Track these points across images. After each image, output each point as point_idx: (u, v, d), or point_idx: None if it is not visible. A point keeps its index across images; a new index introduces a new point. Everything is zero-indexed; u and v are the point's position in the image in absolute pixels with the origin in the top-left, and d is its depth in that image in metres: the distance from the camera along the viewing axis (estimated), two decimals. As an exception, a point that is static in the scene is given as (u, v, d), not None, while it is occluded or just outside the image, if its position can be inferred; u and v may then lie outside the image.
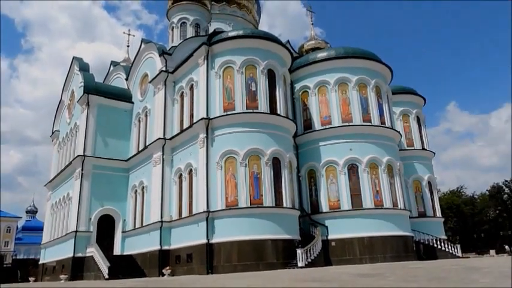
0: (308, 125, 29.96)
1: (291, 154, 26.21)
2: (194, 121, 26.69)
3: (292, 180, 26.23)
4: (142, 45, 35.02)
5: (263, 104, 25.53)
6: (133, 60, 36.42)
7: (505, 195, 67.27)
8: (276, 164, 24.92)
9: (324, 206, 27.49)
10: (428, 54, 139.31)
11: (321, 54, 31.26)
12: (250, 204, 23.36)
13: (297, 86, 31.04)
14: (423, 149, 36.29)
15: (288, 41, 39.98)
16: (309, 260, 22.88)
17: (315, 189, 28.31)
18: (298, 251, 22.58)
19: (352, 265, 22.62)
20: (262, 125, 25.01)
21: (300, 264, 22.24)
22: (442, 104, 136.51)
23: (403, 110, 36.44)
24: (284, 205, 24.29)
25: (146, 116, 32.72)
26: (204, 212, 23.70)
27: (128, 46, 47.23)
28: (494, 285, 8.85)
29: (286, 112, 27.32)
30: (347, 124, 28.45)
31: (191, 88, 28.59)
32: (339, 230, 26.26)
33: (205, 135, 25.30)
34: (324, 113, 29.39)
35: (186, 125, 27.99)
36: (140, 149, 32.04)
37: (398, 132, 31.58)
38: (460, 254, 30.41)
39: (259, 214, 23.29)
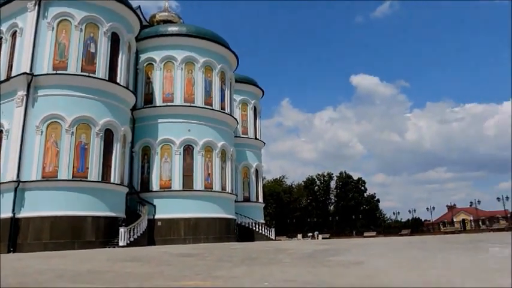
0: (149, 100, 28.71)
1: (126, 127, 24.70)
2: (13, 74, 22.62)
3: (125, 155, 24.83)
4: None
5: (101, 69, 23.28)
6: None
7: (316, 187, 77.98)
8: (109, 136, 23.14)
9: (155, 185, 26.88)
10: (274, 50, 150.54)
11: (172, 29, 30.27)
12: (73, 177, 21.16)
13: (142, 57, 29.35)
14: (255, 138, 38.91)
15: (140, 7, 37.45)
16: (132, 239, 22.07)
17: (147, 167, 27.41)
18: (121, 230, 21.53)
19: (175, 245, 22.70)
20: (97, 92, 22.80)
21: (121, 243, 21.25)
22: (278, 99, 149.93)
23: (243, 98, 38.31)
24: (112, 181, 22.79)
25: None
26: (12, 181, 20.37)
27: None
28: (293, 263, 9.80)
29: (127, 82, 25.56)
30: (188, 104, 28.32)
31: (13, 35, 24.05)
32: (167, 209, 26.06)
33: (25, 93, 21.66)
34: (167, 89, 28.60)
35: (2, 77, 23.52)
36: None
37: (236, 119, 33.04)
38: (274, 237, 33.74)
39: (82, 188, 21.28)
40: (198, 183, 27.20)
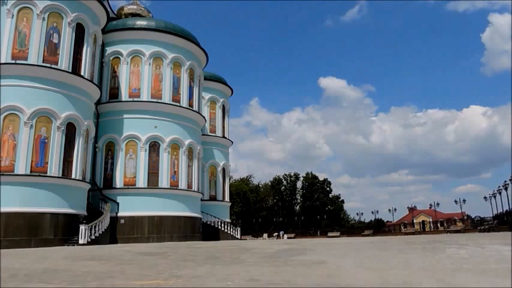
0: (114, 94, 27.94)
1: (89, 122, 23.93)
2: (-33, 62, 21.37)
3: (87, 150, 24.07)
4: None
5: (65, 61, 22.43)
6: None
7: (283, 187, 78.64)
8: (71, 130, 22.36)
9: (119, 182, 26.20)
10: (244, 49, 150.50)
11: (141, 22, 29.58)
12: (31, 172, 20.27)
13: (109, 50, 28.53)
14: (223, 137, 38.74)
15: (107, -1, 36.39)
16: (93, 237, 21.44)
17: (111, 163, 26.68)
18: (82, 227, 20.85)
19: (138, 243, 22.22)
20: (60, 84, 21.96)
21: (81, 241, 20.58)
22: (247, 98, 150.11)
23: (211, 96, 38.02)
24: (73, 176, 22.03)
25: None
26: (-37, 175, 19.30)
27: None
28: (257, 262, 9.78)
29: (92, 75, 24.77)
30: (156, 101, 27.79)
31: (-31, 21, 22.76)
32: (130, 207, 25.48)
33: (-20, 82, 20.56)
34: (134, 84, 27.94)
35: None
36: None
37: (204, 117, 32.75)
38: (239, 236, 33.73)
39: (41, 184, 20.45)
40: (164, 181, 26.75)
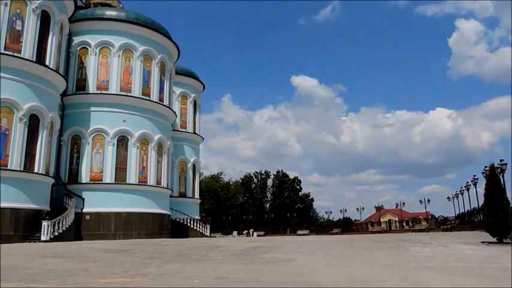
0: (82, 86, 27.02)
1: (54, 114, 23.07)
2: None
3: (52, 143, 23.24)
4: None
5: (28, 49, 21.46)
6: None
7: (253, 185, 78.79)
8: (34, 122, 21.48)
9: (85, 177, 25.42)
10: (217, 45, 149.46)
11: (111, 13, 28.73)
12: (-10, 165, 19.33)
13: (76, 40, 27.52)
14: (194, 133, 38.34)
15: (75, -13, 35.18)
16: (56, 233, 20.76)
17: (77, 157, 25.83)
18: (44, 223, 20.12)
19: (104, 240, 21.68)
20: (22, 74, 21.00)
21: (43, 237, 19.87)
22: (219, 95, 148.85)
23: (182, 91, 37.50)
24: (36, 170, 21.19)
25: None
26: None
27: None
28: (226, 260, 9.73)
29: (57, 65, 23.86)
30: (125, 94, 27.09)
31: None
32: (97, 203, 24.77)
33: None
34: (102, 76, 27.12)
35: None
36: None
37: (175, 112, 32.28)
38: (208, 234, 33.49)
39: (1, 178, 19.51)
40: (132, 176, 26.17)
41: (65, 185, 25.01)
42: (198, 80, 39.54)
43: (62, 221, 21.57)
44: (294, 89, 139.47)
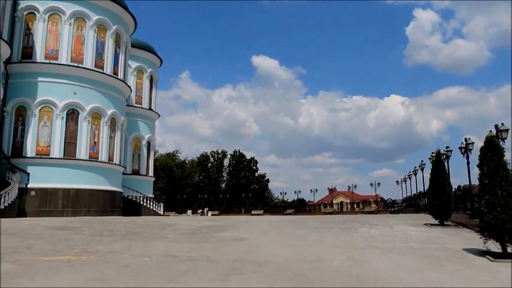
0: (28, 54, 25.24)
1: (-3, 83, 21.51)
2: None
3: (-7, 114, 21.71)
4: None
5: (-33, 11, 19.73)
6: None
7: (210, 164, 78.40)
8: (-27, 90, 19.93)
9: (30, 151, 24.07)
10: (176, 20, 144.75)
11: (62, -23, 26.82)
12: None
13: (22, 4, 25.43)
14: (150, 109, 37.25)
15: None
16: (-2, 209, 19.60)
17: (21, 130, 24.32)
18: (-16, 198, 18.94)
19: (50, 217, 20.81)
20: (-40, 37, 19.32)
21: (-17, 213, 18.70)
22: (177, 71, 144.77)
23: (138, 66, 36.11)
24: (-25, 142, 19.78)
25: None
26: None
27: None
28: (178, 239, 9.64)
29: (1, 30, 22.14)
30: (76, 65, 25.64)
31: None
32: (43, 178, 23.61)
33: None
34: (51, 45, 25.47)
35: None
36: None
37: (130, 87, 31.12)
38: (162, 212, 33.02)
39: None
40: (82, 152, 25.11)
41: (8, 159, 23.57)
42: (155, 54, 38.21)
43: (4, 197, 20.42)
44: (254, 69, 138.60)
